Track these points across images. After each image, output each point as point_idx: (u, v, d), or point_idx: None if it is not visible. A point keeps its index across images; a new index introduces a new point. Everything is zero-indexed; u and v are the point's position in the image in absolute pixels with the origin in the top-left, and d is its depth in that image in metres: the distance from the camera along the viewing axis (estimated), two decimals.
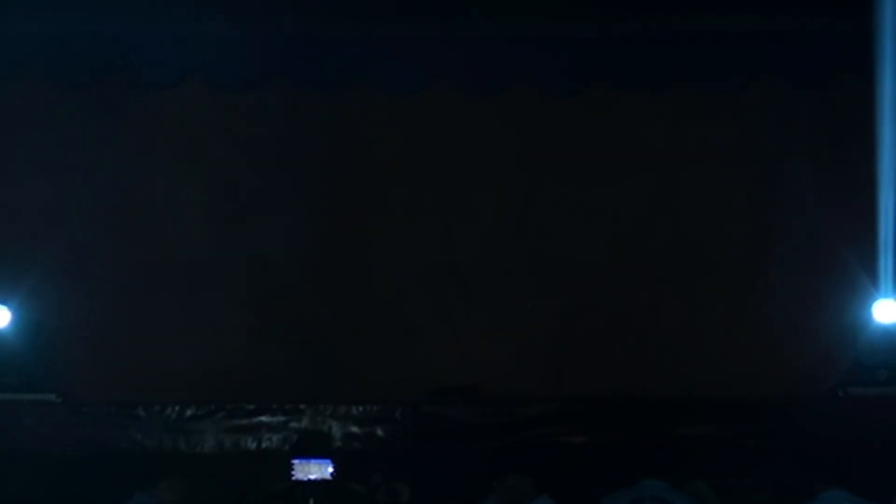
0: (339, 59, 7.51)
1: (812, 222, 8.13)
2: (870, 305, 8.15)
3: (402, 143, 8.25)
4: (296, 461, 6.92)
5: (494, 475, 6.69)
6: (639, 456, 6.89)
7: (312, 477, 6.77)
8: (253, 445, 8.50)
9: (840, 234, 7.99)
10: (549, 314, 8.76)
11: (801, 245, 8.23)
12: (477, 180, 8.42)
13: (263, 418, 8.54)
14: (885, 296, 8.14)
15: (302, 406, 8.59)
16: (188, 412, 8.55)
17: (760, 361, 8.53)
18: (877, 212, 8.13)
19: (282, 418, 8.54)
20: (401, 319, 8.69)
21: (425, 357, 8.71)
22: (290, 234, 8.41)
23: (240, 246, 8.42)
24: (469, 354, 8.72)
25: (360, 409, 8.56)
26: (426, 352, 8.72)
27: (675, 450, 7.12)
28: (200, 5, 7.24)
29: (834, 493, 6.32)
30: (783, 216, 8.24)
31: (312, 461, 6.85)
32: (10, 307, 8.01)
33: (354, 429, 8.51)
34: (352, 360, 8.67)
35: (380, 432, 8.51)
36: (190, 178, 8.19)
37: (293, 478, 6.86)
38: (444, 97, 7.79)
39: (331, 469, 6.81)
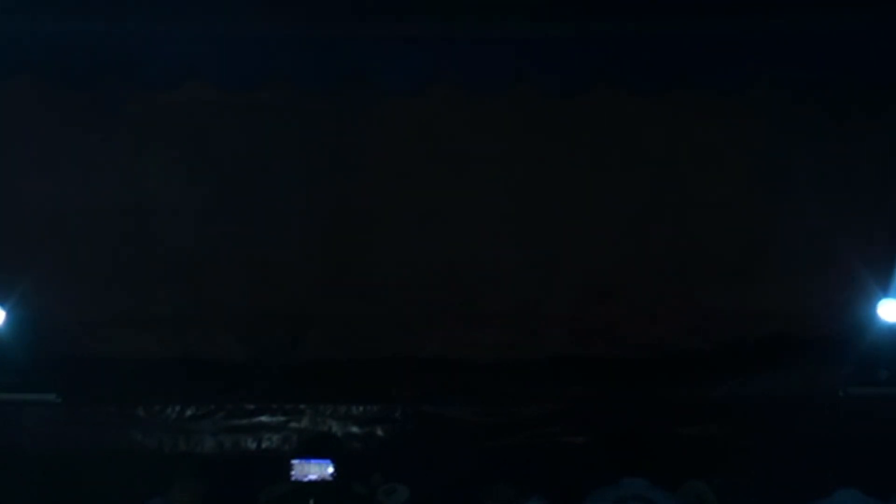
0: (339, 59, 7.48)
1: (813, 222, 8.12)
2: (873, 305, 8.17)
3: (402, 142, 8.24)
4: (296, 461, 6.92)
5: (485, 481, 6.73)
6: (637, 456, 6.90)
7: (312, 477, 6.78)
8: (253, 445, 8.53)
9: (841, 234, 7.99)
10: (550, 313, 8.76)
11: (802, 245, 8.22)
12: (477, 180, 8.42)
13: (263, 418, 8.58)
14: (890, 295, 8.17)
15: (302, 406, 8.62)
16: (188, 412, 8.59)
17: (761, 361, 8.53)
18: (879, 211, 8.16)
19: (282, 418, 8.58)
20: (401, 319, 8.69)
21: (425, 357, 8.71)
22: (291, 233, 8.41)
23: (240, 246, 8.42)
24: (469, 354, 8.72)
25: (360, 409, 8.59)
26: (426, 351, 8.72)
27: (674, 450, 7.14)
28: (200, 5, 7.22)
29: (847, 491, 6.35)
30: (783, 216, 8.23)
31: (312, 461, 6.86)
32: (4, 307, 8.04)
33: (354, 429, 8.54)
34: (352, 360, 8.67)
35: (380, 432, 8.54)
36: (190, 178, 8.18)
37: (293, 478, 6.87)
38: (444, 97, 7.77)
39: (331, 469, 6.81)
